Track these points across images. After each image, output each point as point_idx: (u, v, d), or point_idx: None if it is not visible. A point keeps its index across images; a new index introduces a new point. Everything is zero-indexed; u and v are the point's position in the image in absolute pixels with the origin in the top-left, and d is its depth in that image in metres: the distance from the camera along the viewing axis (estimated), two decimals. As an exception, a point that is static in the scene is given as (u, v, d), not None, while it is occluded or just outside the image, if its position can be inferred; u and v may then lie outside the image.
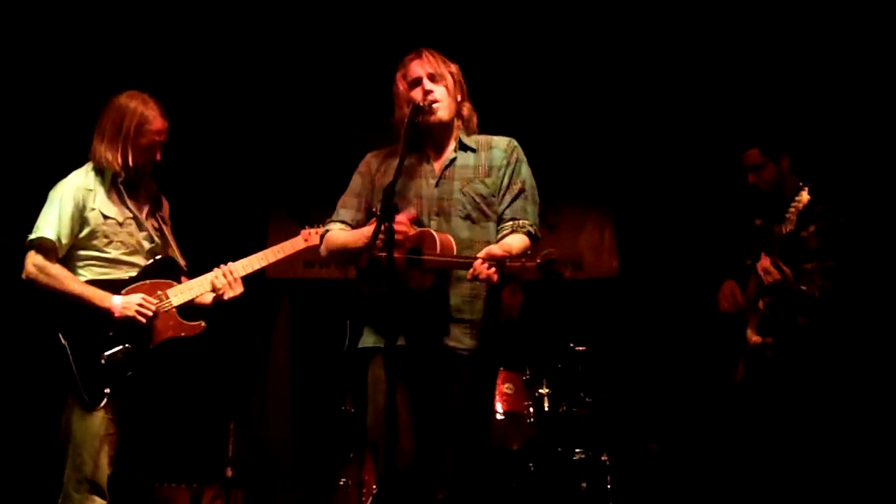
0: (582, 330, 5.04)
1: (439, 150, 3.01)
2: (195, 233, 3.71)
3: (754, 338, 3.70)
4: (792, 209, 3.45)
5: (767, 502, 3.67)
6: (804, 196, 3.43)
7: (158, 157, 3.32)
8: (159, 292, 3.28)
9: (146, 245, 3.34)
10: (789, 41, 4.76)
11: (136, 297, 3.21)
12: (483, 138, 3.06)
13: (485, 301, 2.89)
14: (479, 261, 2.62)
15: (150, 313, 3.22)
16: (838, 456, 3.61)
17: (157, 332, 3.25)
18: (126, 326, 3.17)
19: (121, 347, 3.16)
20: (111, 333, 3.16)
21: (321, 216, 3.24)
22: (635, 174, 5.73)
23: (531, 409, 4.62)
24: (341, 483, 4.52)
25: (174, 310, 3.30)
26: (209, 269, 3.39)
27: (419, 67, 2.94)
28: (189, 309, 3.35)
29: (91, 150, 3.26)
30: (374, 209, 2.90)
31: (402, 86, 2.96)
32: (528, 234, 2.91)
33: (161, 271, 3.34)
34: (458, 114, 3.01)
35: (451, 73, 2.97)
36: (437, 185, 2.93)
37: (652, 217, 5.73)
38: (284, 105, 5.39)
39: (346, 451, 4.57)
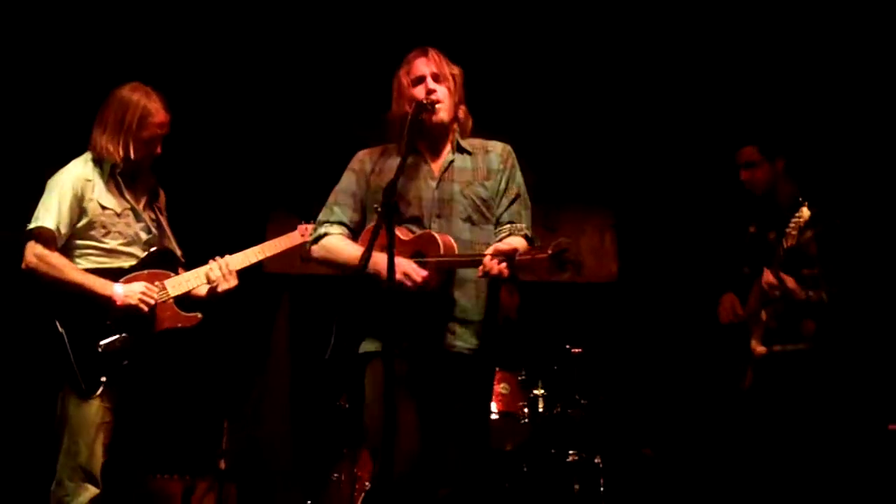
0: (578, 333, 5.05)
1: (436, 151, 3.00)
2: (195, 231, 3.71)
3: (759, 348, 3.71)
4: (793, 224, 3.45)
5: None
6: (805, 212, 3.42)
7: (159, 150, 3.32)
8: (157, 283, 3.29)
9: (143, 236, 3.35)
10: (791, 47, 4.77)
11: (139, 286, 3.21)
12: (478, 142, 3.06)
13: (486, 301, 2.91)
14: (489, 257, 2.63)
15: (153, 302, 3.23)
16: (839, 459, 3.62)
17: (156, 322, 3.27)
18: (124, 315, 3.18)
19: (118, 336, 3.18)
20: (109, 322, 3.17)
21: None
22: (638, 178, 5.73)
23: (526, 410, 4.62)
24: (334, 478, 4.52)
25: (171, 300, 3.31)
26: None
27: (424, 66, 2.93)
28: (186, 300, 3.36)
29: (91, 140, 3.27)
30: (375, 207, 2.85)
31: (405, 81, 2.94)
32: (526, 237, 2.94)
33: (159, 262, 3.35)
34: (456, 116, 3.00)
35: (454, 76, 2.97)
36: (437, 186, 2.93)
37: (653, 222, 5.73)
38: (284, 105, 5.39)
39: (340, 447, 4.58)
